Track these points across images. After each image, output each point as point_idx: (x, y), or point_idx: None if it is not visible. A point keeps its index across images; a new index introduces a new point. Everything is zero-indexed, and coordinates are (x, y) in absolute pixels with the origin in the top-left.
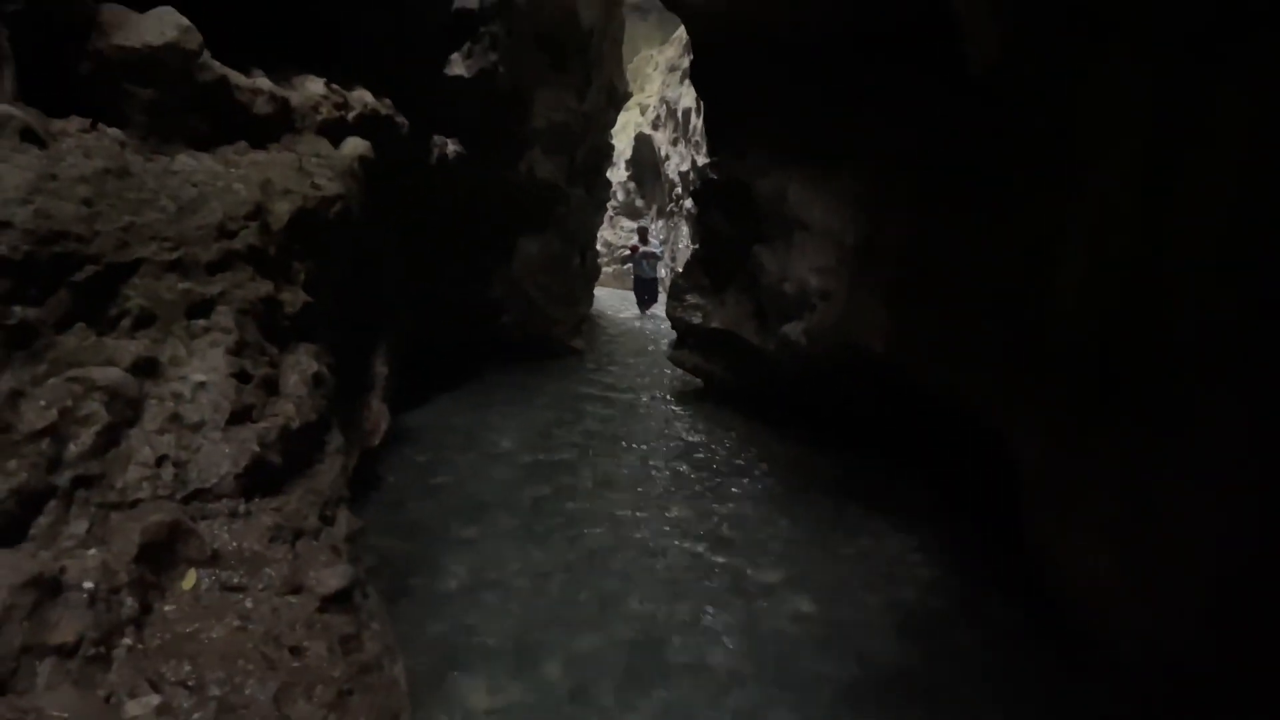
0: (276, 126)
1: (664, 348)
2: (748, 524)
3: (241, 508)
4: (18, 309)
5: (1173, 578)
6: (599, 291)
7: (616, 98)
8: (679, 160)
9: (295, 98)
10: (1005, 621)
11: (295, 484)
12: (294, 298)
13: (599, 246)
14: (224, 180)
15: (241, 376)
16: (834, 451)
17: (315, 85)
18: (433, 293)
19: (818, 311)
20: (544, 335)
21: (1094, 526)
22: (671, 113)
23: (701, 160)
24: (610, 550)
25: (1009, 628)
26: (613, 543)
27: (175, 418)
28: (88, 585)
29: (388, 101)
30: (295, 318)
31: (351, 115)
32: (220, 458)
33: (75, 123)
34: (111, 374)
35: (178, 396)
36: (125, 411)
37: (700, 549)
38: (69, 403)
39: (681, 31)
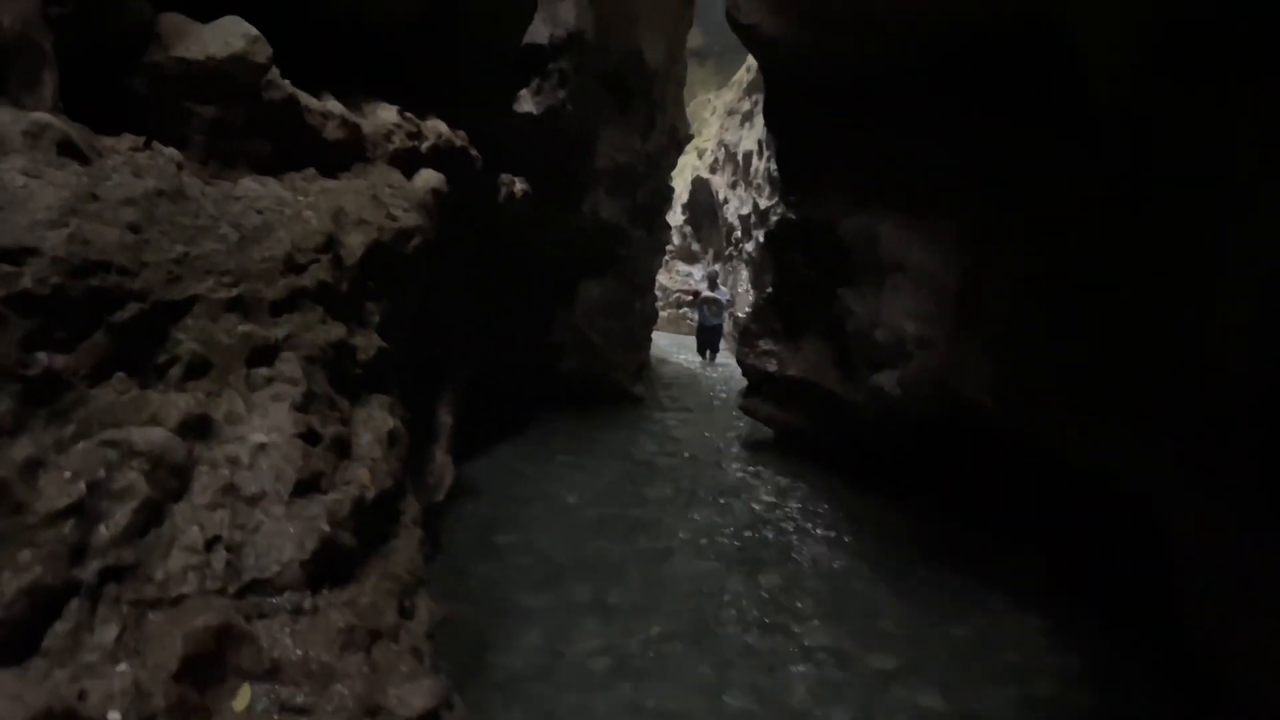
0: (347, 154)
1: (726, 395)
2: (847, 597)
3: (307, 603)
4: (42, 356)
5: None
6: (655, 336)
7: (678, 139)
8: (739, 204)
9: (367, 125)
10: None
11: (369, 568)
12: (367, 343)
13: (655, 290)
14: (292, 208)
15: (309, 437)
16: (927, 513)
17: (388, 113)
18: (495, 336)
19: (915, 360)
20: (604, 380)
21: (1275, 608)
22: (730, 156)
23: (765, 203)
24: (700, 625)
25: None
26: (701, 616)
27: (230, 489)
28: (114, 716)
29: (461, 134)
30: (368, 365)
31: (425, 146)
32: (283, 539)
33: (126, 140)
34: (155, 436)
35: (234, 462)
36: (169, 482)
37: (800, 626)
38: (101, 473)
39: (740, 75)
